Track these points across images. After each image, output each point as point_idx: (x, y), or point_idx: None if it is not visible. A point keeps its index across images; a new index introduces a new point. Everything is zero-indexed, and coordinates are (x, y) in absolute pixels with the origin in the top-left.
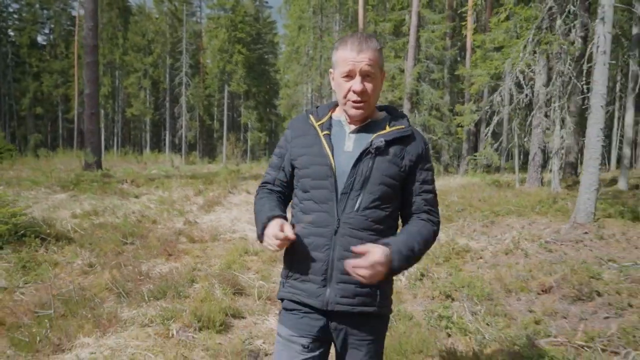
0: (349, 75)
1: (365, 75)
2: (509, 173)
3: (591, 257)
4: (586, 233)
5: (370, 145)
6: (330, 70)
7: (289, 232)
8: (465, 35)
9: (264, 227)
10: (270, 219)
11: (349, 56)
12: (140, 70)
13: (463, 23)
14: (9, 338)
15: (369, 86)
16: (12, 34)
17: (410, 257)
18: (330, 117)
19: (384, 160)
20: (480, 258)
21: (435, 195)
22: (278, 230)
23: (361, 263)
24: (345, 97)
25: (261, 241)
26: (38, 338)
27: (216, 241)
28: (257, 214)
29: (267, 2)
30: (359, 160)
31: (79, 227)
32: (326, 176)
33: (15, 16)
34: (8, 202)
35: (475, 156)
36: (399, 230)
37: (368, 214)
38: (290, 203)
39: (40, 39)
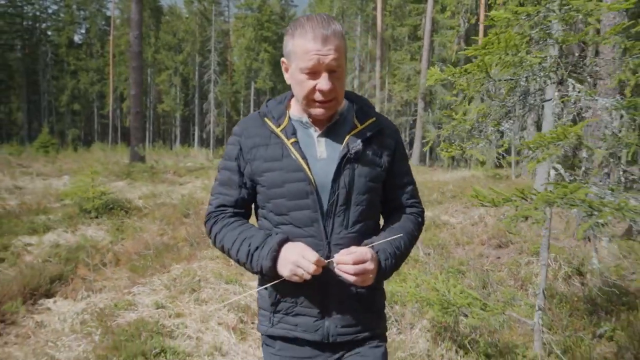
0: (313, 72)
1: (331, 71)
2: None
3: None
4: None
5: (348, 150)
6: (283, 60)
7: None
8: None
9: (276, 255)
10: (281, 243)
11: (312, 47)
12: (171, 68)
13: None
14: (128, 267)
15: (337, 82)
16: (50, 33)
17: (398, 259)
18: (290, 118)
19: (366, 164)
20: (454, 228)
21: (415, 184)
22: (314, 252)
23: (346, 259)
24: (307, 97)
25: (271, 273)
26: (146, 266)
27: None
28: (242, 243)
29: (292, 1)
30: (338, 170)
31: (147, 205)
32: (306, 194)
33: (54, 17)
34: (96, 185)
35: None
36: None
37: (358, 229)
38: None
39: (77, 38)
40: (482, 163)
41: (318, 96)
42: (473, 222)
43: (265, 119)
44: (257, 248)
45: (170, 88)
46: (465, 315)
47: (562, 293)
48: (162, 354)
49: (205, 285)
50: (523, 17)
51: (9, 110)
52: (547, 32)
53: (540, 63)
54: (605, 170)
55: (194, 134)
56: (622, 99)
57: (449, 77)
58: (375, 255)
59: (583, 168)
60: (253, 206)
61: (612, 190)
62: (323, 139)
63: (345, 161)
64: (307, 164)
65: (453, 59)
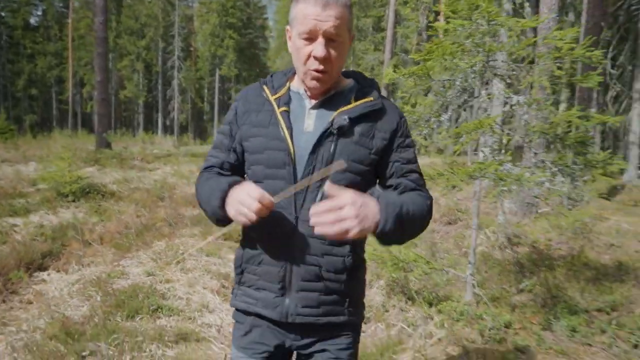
0: (310, 37)
1: (329, 39)
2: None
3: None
4: None
5: (331, 124)
6: (287, 27)
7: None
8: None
9: (224, 195)
10: (232, 184)
11: (311, 12)
12: (133, 54)
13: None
14: (112, 245)
15: (333, 53)
16: (4, 15)
17: (406, 216)
18: (289, 89)
19: (349, 142)
20: None
21: (422, 175)
22: (257, 189)
23: (319, 209)
24: (304, 63)
25: (222, 218)
26: (129, 243)
27: None
28: (205, 189)
29: None
30: (318, 143)
31: (121, 189)
32: (283, 164)
33: None
34: (72, 170)
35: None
36: None
37: None
38: None
39: (33, 20)
40: (441, 151)
41: (312, 63)
42: None
43: (264, 87)
44: (213, 190)
45: (132, 74)
46: (411, 270)
47: (496, 258)
48: (159, 310)
49: (189, 257)
50: (459, 29)
51: None
52: (477, 42)
53: (471, 67)
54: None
55: (157, 121)
56: (530, 96)
57: (401, 77)
58: (367, 201)
59: (502, 150)
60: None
61: (515, 165)
62: (314, 112)
63: (326, 135)
64: (291, 135)
65: (412, 53)
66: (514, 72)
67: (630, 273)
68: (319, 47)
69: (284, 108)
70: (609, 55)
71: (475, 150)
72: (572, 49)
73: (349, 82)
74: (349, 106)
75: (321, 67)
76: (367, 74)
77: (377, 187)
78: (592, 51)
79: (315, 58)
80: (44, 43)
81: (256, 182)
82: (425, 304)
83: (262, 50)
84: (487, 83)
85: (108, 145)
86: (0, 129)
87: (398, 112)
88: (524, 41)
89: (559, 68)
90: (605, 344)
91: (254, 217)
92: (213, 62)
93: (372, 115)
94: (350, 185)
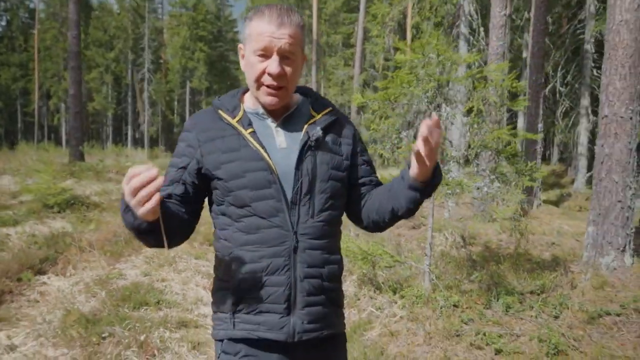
0: (264, 54)
1: (284, 56)
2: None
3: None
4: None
5: (309, 137)
6: (240, 45)
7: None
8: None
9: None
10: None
11: (266, 29)
12: (102, 66)
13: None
14: (103, 251)
15: (288, 69)
16: None
17: (441, 174)
18: (244, 111)
19: (326, 152)
20: None
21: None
22: (128, 174)
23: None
24: (257, 80)
25: (135, 222)
26: (120, 250)
27: None
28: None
29: (227, 1)
30: (300, 158)
31: (103, 200)
32: (268, 183)
33: None
34: (57, 182)
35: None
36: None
37: (324, 218)
38: (214, 231)
39: None
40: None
41: (267, 79)
42: None
43: (220, 111)
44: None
45: (101, 86)
46: (378, 263)
47: (452, 256)
48: (160, 303)
49: (179, 260)
50: (415, 61)
51: None
52: (429, 73)
53: (425, 93)
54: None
55: (126, 134)
56: (469, 118)
57: (367, 102)
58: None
59: (450, 161)
60: (210, 208)
61: (463, 174)
62: (281, 129)
63: (306, 149)
64: (267, 153)
65: (380, 71)
66: (458, 98)
67: (561, 264)
68: (273, 64)
69: (250, 129)
70: (559, 74)
71: None
72: (503, 80)
73: (297, 97)
74: (315, 118)
75: (275, 83)
76: (337, 89)
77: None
78: (517, 82)
79: (270, 74)
80: (8, 54)
81: (243, 206)
82: (390, 291)
83: (233, 63)
84: (438, 106)
85: (81, 158)
86: None
87: (348, 118)
88: (466, 73)
89: (502, 94)
90: (532, 317)
91: (145, 193)
92: (184, 75)
93: (335, 125)
94: (335, 192)
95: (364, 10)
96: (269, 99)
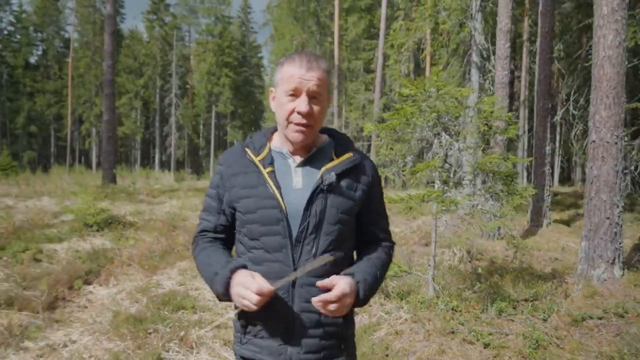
0: (294, 94)
1: (312, 97)
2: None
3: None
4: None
5: (322, 181)
6: (271, 89)
7: (268, 285)
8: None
9: (227, 281)
10: (233, 270)
11: (296, 72)
12: (131, 92)
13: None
14: (140, 265)
15: (315, 108)
16: (5, 55)
17: (374, 285)
18: (270, 149)
19: (338, 196)
20: (396, 235)
21: (387, 218)
22: (255, 282)
23: (329, 297)
24: (287, 119)
25: (226, 299)
26: (155, 264)
27: None
28: (207, 267)
29: (252, 28)
30: (311, 200)
31: (138, 220)
32: (277, 220)
33: (10, 38)
34: (93, 203)
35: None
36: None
37: None
38: (233, 251)
39: (33, 60)
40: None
41: (296, 118)
42: (412, 230)
43: (246, 149)
44: (215, 274)
45: (130, 111)
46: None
47: (459, 270)
48: (195, 308)
49: None
50: (418, 95)
51: None
52: (429, 105)
53: (427, 122)
54: (469, 182)
55: (154, 157)
56: (464, 144)
57: (377, 131)
58: (355, 286)
59: (450, 182)
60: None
61: (450, 189)
62: (300, 170)
63: (317, 191)
64: (280, 193)
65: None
66: (456, 127)
67: (557, 277)
68: (302, 103)
69: (269, 168)
70: (572, 98)
71: (432, 183)
72: (492, 111)
73: (325, 138)
74: (333, 163)
75: (304, 121)
76: (358, 113)
77: (355, 270)
78: (506, 113)
79: (299, 112)
80: (44, 82)
81: (253, 239)
82: (398, 298)
83: (257, 87)
84: (438, 134)
85: (114, 180)
86: (2, 166)
87: (371, 164)
88: (460, 106)
89: (487, 124)
90: (522, 319)
91: (255, 308)
92: (209, 100)
93: (354, 170)
94: (341, 235)
95: (384, 37)
96: (296, 136)
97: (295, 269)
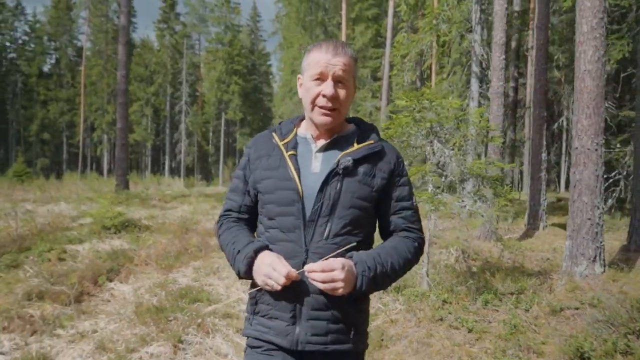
0: (320, 79)
1: (337, 81)
2: None
3: None
4: None
5: (337, 165)
6: (299, 76)
7: (294, 270)
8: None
9: (250, 261)
10: (257, 251)
11: (323, 57)
12: (142, 99)
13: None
14: (157, 265)
15: (341, 92)
16: (19, 63)
17: (381, 275)
18: (296, 134)
19: (354, 181)
20: None
21: (416, 210)
22: (285, 266)
23: (313, 266)
24: (313, 102)
25: (246, 277)
26: (171, 263)
27: None
28: (230, 245)
29: (261, 36)
30: (325, 182)
31: (152, 224)
32: (292, 202)
33: (24, 47)
34: (110, 208)
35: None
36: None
37: (338, 242)
38: (256, 232)
39: (46, 68)
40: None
41: (321, 101)
42: None
43: (273, 134)
44: (238, 252)
45: (141, 118)
46: None
47: (454, 267)
48: (209, 300)
49: (222, 270)
50: (412, 107)
51: None
52: (423, 115)
53: (420, 132)
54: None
55: (164, 163)
56: (453, 151)
57: None
58: (352, 266)
59: (441, 186)
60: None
61: (441, 193)
62: (321, 155)
63: (332, 175)
64: (299, 175)
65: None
66: (447, 136)
67: (544, 274)
68: (328, 87)
69: (291, 152)
70: (572, 106)
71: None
72: (480, 121)
73: (350, 127)
74: (353, 149)
75: (329, 104)
76: (365, 119)
77: (355, 253)
78: (488, 123)
79: (324, 96)
80: (57, 90)
81: (270, 219)
82: (394, 292)
83: (266, 95)
84: (431, 142)
85: (127, 186)
86: (17, 172)
87: (396, 153)
88: (451, 115)
89: (485, 134)
90: (506, 309)
91: (278, 288)
92: (219, 107)
93: (374, 157)
94: (354, 220)
95: (390, 46)
96: (322, 119)
97: (306, 250)
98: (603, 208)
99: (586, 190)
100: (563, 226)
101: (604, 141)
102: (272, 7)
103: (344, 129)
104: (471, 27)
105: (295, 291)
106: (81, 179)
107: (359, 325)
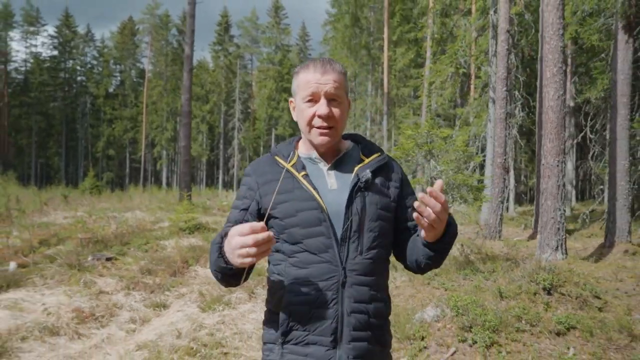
0: (313, 99)
1: (330, 99)
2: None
3: None
4: None
5: (358, 179)
6: (290, 99)
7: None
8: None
9: (219, 244)
10: (224, 234)
11: (312, 78)
12: (198, 117)
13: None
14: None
15: (335, 110)
16: (88, 85)
17: (455, 234)
18: (298, 156)
19: (375, 193)
20: None
21: None
22: (245, 224)
23: (435, 192)
24: (309, 124)
25: (226, 267)
26: None
27: None
28: (210, 253)
29: (310, 55)
30: (351, 198)
31: (219, 227)
32: (319, 221)
33: (93, 70)
34: (184, 214)
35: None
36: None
37: (372, 255)
38: (267, 267)
39: (111, 89)
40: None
41: (317, 121)
42: None
43: (276, 157)
44: (212, 251)
45: (197, 135)
46: None
47: (457, 260)
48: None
49: None
50: (415, 134)
51: (48, 155)
52: (422, 141)
53: (420, 153)
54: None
55: (218, 177)
56: (442, 167)
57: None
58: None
59: None
60: None
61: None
62: (332, 172)
63: (356, 189)
64: (318, 194)
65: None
66: (439, 156)
67: (522, 261)
68: (322, 106)
69: (303, 172)
70: (589, 123)
71: None
72: (461, 146)
73: (348, 143)
74: (364, 162)
75: (325, 123)
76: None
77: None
78: (467, 148)
79: (319, 116)
80: (121, 109)
81: (295, 243)
82: (401, 270)
83: None
84: (429, 161)
85: (189, 197)
86: (89, 185)
87: (397, 163)
88: (441, 142)
89: (469, 155)
90: (476, 279)
91: (254, 250)
92: (270, 123)
93: (384, 169)
94: (382, 231)
95: (430, 65)
96: (320, 139)
97: (344, 268)
98: (564, 210)
99: (550, 196)
100: (569, 232)
101: (564, 159)
102: (320, 28)
103: (344, 146)
104: (488, 59)
105: (335, 311)
106: (144, 192)
107: (388, 345)
